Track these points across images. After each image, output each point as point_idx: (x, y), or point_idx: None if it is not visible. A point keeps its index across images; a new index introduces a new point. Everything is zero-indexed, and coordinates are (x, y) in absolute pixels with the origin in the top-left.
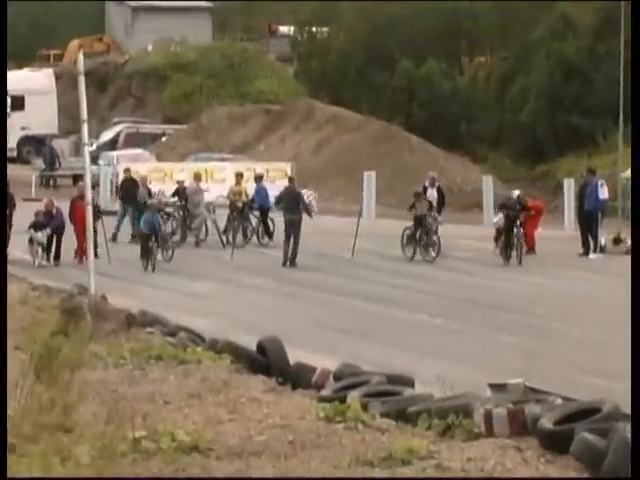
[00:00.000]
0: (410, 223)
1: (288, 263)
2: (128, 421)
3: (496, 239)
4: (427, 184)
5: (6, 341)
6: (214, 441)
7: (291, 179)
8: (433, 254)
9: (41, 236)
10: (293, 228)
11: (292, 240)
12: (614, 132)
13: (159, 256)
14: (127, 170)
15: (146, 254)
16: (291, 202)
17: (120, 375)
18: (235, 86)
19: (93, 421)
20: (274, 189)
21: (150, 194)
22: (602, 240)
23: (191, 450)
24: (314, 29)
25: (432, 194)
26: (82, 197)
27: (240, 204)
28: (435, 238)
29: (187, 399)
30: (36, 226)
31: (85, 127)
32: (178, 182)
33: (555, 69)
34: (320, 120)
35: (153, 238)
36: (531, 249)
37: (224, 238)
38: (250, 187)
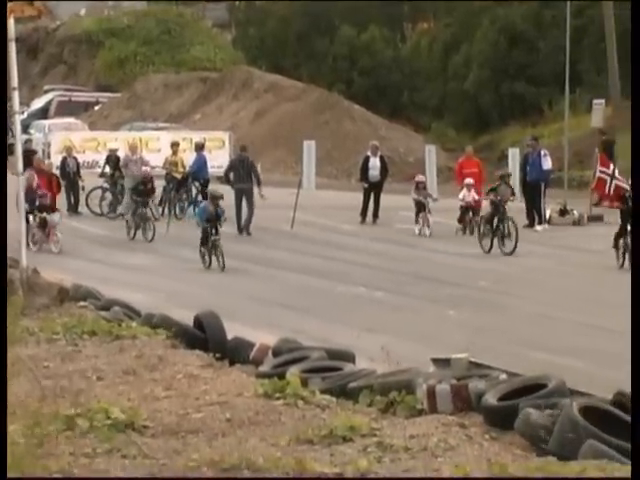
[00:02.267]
0: (349, 193)
1: (244, 232)
2: (61, 398)
3: (461, 220)
4: (369, 153)
5: (6, 341)
6: (150, 418)
7: (243, 147)
8: (510, 247)
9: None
10: (246, 197)
11: (247, 209)
12: (559, 100)
13: (140, 236)
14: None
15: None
16: (243, 171)
17: (52, 351)
18: (171, 53)
19: (25, 399)
20: (211, 159)
21: (78, 165)
22: (547, 211)
23: (126, 428)
24: None
25: (375, 164)
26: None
27: (178, 175)
28: (513, 229)
29: (122, 375)
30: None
31: (16, 95)
32: (110, 150)
33: (500, 36)
34: (259, 88)
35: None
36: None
37: (159, 210)
38: (186, 157)
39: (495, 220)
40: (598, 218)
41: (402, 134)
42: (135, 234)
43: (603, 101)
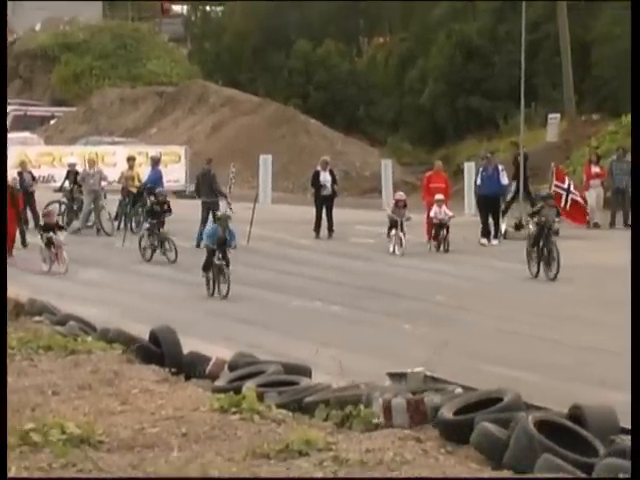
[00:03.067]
0: (305, 208)
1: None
2: (16, 413)
3: (435, 237)
4: (319, 168)
5: (6, 340)
6: (105, 433)
7: (209, 160)
8: (554, 271)
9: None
10: (210, 210)
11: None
12: (515, 115)
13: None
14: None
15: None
16: (207, 185)
17: (8, 366)
18: (126, 67)
19: None
20: (167, 174)
21: (34, 179)
22: (503, 226)
23: (81, 442)
24: (208, 8)
25: (325, 178)
26: None
27: (134, 189)
28: (555, 252)
29: (77, 390)
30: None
31: None
32: (69, 165)
33: (455, 51)
34: (215, 103)
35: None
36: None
37: (115, 224)
38: (142, 171)
39: (540, 243)
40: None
41: (358, 148)
42: (152, 256)
43: (558, 115)
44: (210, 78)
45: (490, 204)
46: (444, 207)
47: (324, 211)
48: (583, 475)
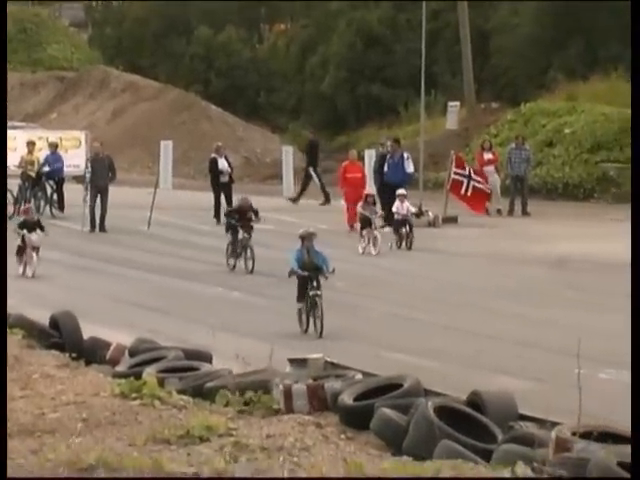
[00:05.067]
0: (206, 194)
1: (97, 228)
2: None
3: (396, 232)
4: (215, 155)
5: (6, 338)
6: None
7: (100, 144)
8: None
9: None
10: (101, 194)
11: (101, 206)
12: (415, 102)
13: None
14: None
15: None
16: (101, 168)
17: None
18: (27, 52)
19: None
20: (67, 159)
21: None
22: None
23: None
24: None
25: (223, 164)
26: None
27: (32, 173)
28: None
29: None
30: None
31: None
32: None
33: (356, 38)
34: (116, 88)
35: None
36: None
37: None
38: (42, 156)
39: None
40: (453, 219)
41: (259, 135)
42: (235, 264)
43: (458, 103)
44: (111, 63)
45: (394, 191)
46: (406, 203)
47: (223, 197)
48: (481, 461)
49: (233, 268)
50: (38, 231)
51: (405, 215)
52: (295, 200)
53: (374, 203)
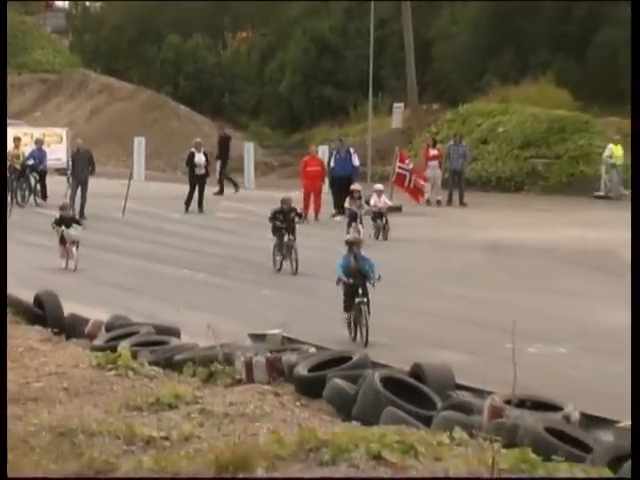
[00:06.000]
0: (175, 185)
1: (78, 216)
2: None
3: (374, 222)
4: (194, 149)
5: (6, 338)
6: None
7: (82, 140)
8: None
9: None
10: (82, 185)
11: (82, 196)
12: (364, 103)
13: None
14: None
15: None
16: (81, 162)
17: None
18: (14, 57)
19: None
20: (50, 153)
21: None
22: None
23: None
24: (88, 4)
25: (199, 158)
26: None
27: (18, 166)
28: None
29: None
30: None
31: None
32: None
33: (310, 45)
34: (93, 89)
35: None
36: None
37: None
38: (28, 151)
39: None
40: (398, 209)
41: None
42: (282, 265)
43: (402, 104)
44: (89, 67)
45: (343, 184)
46: (383, 197)
47: (197, 188)
48: (423, 426)
49: (279, 269)
50: (75, 226)
51: (382, 209)
52: (234, 190)
53: (360, 198)
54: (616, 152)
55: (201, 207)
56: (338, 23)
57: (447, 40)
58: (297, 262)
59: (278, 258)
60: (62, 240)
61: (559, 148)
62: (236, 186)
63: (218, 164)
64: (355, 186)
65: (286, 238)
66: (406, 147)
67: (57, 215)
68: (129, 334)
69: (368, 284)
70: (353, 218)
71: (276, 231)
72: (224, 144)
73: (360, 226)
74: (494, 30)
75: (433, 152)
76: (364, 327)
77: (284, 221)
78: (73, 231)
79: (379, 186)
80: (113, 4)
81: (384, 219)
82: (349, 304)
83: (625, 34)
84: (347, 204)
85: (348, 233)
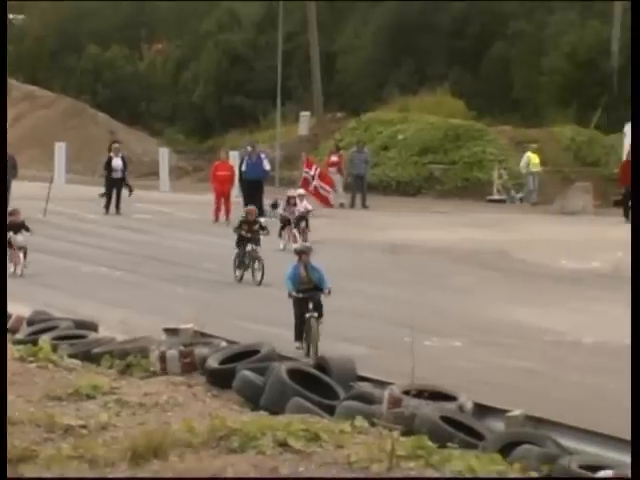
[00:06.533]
0: (94, 188)
1: None
2: None
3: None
4: (112, 154)
5: (6, 339)
6: None
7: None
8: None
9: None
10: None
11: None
12: (272, 112)
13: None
14: None
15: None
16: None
17: None
18: None
19: None
20: None
21: None
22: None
23: None
24: (10, 16)
25: (117, 162)
26: None
27: None
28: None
29: None
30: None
31: None
32: None
33: (222, 57)
34: (17, 97)
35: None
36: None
37: None
38: None
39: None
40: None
41: (139, 138)
42: (243, 275)
43: (308, 113)
44: (12, 76)
45: (254, 187)
46: (305, 201)
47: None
48: (326, 415)
49: (240, 280)
50: (23, 232)
51: (303, 212)
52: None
53: (295, 204)
54: (533, 160)
55: (118, 209)
56: (248, 36)
57: (350, 53)
58: (263, 272)
59: (239, 270)
60: (9, 245)
61: (454, 155)
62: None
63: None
64: (291, 192)
65: (249, 247)
66: (312, 153)
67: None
68: (50, 328)
69: (321, 295)
70: (287, 223)
71: (240, 241)
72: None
73: (295, 231)
74: (394, 44)
75: (333, 159)
76: (314, 343)
77: (248, 231)
78: (20, 237)
79: (301, 191)
80: (35, 16)
81: (305, 222)
82: (301, 320)
83: (515, 49)
84: (281, 210)
85: (281, 238)
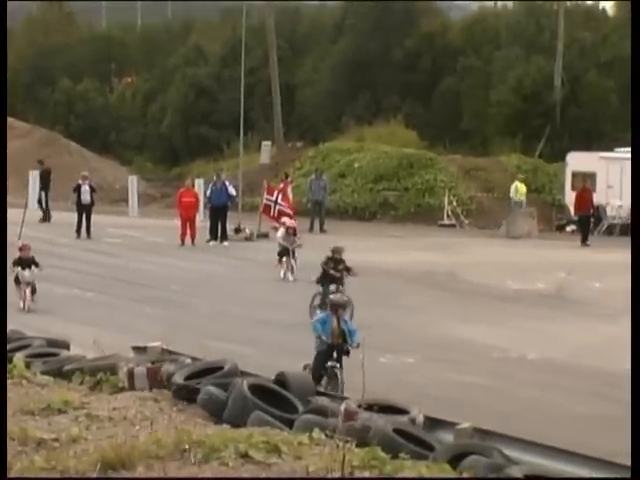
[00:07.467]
0: (67, 213)
1: None
2: None
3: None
4: (80, 182)
5: (6, 338)
6: None
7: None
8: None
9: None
10: None
11: None
12: (236, 141)
13: None
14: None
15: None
16: None
17: None
18: None
19: None
20: None
21: None
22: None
23: None
24: None
25: (85, 189)
26: None
27: None
28: None
29: None
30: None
31: None
32: None
33: (189, 89)
34: None
35: None
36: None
37: None
38: None
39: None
40: (265, 235)
41: (110, 166)
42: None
43: (270, 142)
44: None
45: (219, 212)
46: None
47: (84, 216)
48: (286, 428)
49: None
50: (33, 267)
51: (300, 244)
52: (45, 220)
53: (294, 234)
54: (521, 189)
55: (89, 233)
56: (213, 70)
57: (309, 86)
58: (352, 314)
59: (320, 309)
60: (17, 280)
61: (408, 182)
62: (47, 217)
63: (43, 195)
64: (290, 223)
65: (333, 287)
66: (273, 180)
67: (16, 255)
68: (23, 346)
69: (349, 348)
70: (285, 252)
71: (323, 279)
72: (45, 176)
73: (293, 261)
74: (351, 78)
75: (281, 185)
76: (340, 390)
77: (334, 269)
78: (27, 273)
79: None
80: (10, 50)
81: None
82: (322, 366)
83: (465, 83)
84: (280, 240)
85: (281, 265)
